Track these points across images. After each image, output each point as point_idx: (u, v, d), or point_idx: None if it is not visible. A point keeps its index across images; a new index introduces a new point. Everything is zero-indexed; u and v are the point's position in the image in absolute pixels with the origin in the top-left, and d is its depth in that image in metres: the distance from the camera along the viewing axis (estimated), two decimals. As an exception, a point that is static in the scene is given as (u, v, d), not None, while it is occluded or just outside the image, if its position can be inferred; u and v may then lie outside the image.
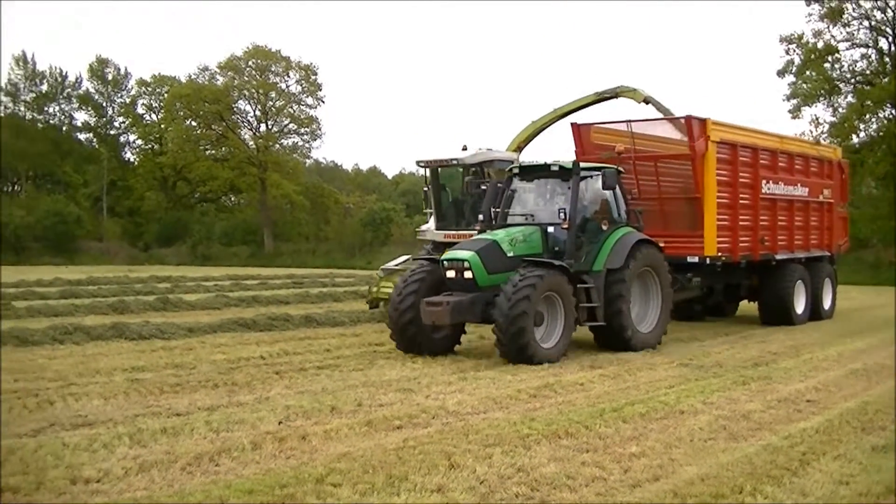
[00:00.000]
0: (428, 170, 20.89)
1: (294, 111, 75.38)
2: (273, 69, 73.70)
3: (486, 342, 16.70)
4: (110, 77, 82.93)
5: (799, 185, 22.24)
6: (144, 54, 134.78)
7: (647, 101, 22.81)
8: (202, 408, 10.56)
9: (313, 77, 74.65)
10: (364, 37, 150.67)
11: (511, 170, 17.23)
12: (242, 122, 76.28)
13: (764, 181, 20.70)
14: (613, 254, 16.10)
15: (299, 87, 75.01)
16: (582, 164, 16.49)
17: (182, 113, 74.21)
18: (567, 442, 8.94)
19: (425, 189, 21.73)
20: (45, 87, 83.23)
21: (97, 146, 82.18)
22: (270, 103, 74.68)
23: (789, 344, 17.67)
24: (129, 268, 50.36)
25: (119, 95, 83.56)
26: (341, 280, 38.76)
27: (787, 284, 21.43)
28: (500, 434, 9.17)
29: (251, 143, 75.44)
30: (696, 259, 19.16)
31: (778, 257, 21.35)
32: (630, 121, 19.87)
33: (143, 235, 75.36)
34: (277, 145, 76.47)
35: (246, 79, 73.90)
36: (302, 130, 76.30)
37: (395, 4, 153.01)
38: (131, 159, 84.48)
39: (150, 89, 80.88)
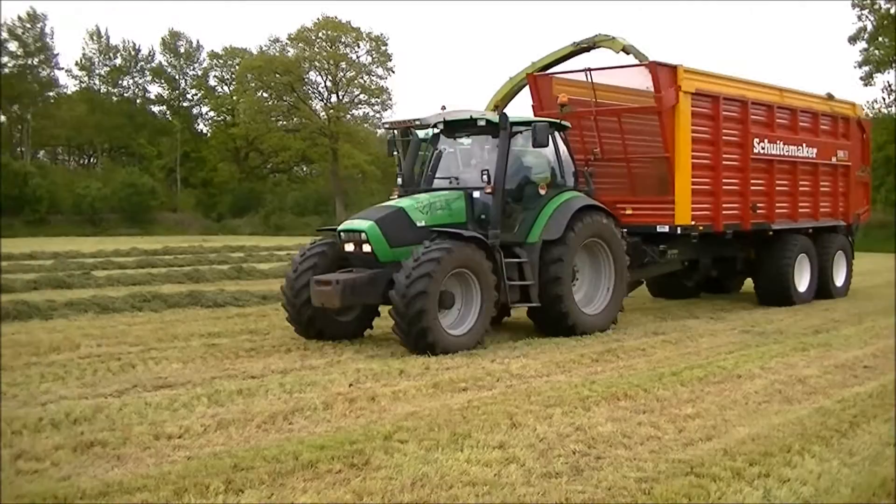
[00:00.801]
0: (396, 132, 18.83)
1: (364, 82, 76.01)
2: (343, 40, 74.35)
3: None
4: (182, 50, 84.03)
5: (804, 144, 19.29)
6: (216, 27, 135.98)
7: (625, 49, 19.26)
8: (276, 371, 10.96)
9: (383, 47, 75.32)
10: (435, 5, 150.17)
11: (436, 125, 14.90)
12: (313, 93, 77.14)
13: (756, 139, 17.98)
14: (551, 222, 13.78)
15: (369, 58, 75.73)
16: (512, 119, 14.05)
17: (253, 84, 75.12)
18: (625, 403, 9.20)
19: (396, 153, 19.51)
20: (118, 61, 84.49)
21: (170, 118, 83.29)
22: (341, 74, 75.28)
23: (853, 312, 17.67)
24: (202, 238, 51.20)
25: (191, 68, 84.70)
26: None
27: (787, 258, 18.81)
28: (561, 396, 9.45)
29: (322, 113, 76.15)
30: (665, 229, 16.62)
31: (775, 227, 18.68)
32: (590, 69, 17.07)
33: (216, 206, 76.22)
34: (348, 116, 77.10)
35: (316, 50, 74.59)
36: (372, 101, 77.08)
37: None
38: (204, 131, 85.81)
39: (221, 61, 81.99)
